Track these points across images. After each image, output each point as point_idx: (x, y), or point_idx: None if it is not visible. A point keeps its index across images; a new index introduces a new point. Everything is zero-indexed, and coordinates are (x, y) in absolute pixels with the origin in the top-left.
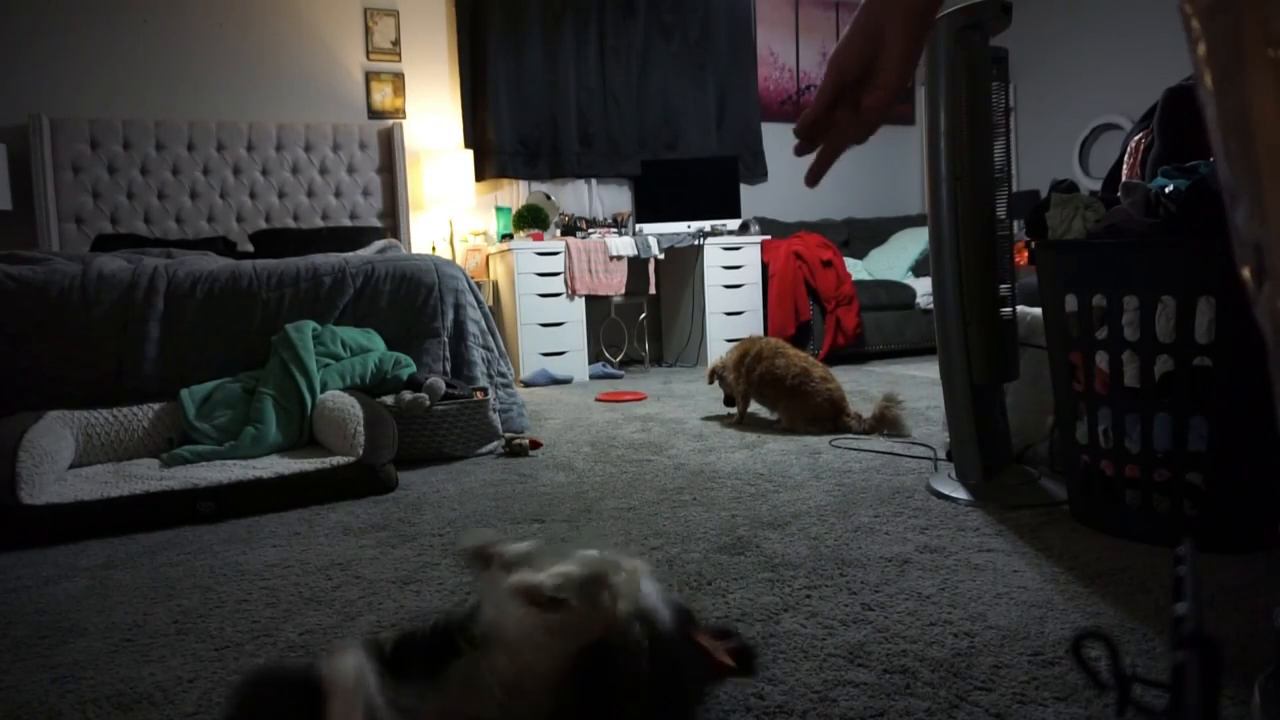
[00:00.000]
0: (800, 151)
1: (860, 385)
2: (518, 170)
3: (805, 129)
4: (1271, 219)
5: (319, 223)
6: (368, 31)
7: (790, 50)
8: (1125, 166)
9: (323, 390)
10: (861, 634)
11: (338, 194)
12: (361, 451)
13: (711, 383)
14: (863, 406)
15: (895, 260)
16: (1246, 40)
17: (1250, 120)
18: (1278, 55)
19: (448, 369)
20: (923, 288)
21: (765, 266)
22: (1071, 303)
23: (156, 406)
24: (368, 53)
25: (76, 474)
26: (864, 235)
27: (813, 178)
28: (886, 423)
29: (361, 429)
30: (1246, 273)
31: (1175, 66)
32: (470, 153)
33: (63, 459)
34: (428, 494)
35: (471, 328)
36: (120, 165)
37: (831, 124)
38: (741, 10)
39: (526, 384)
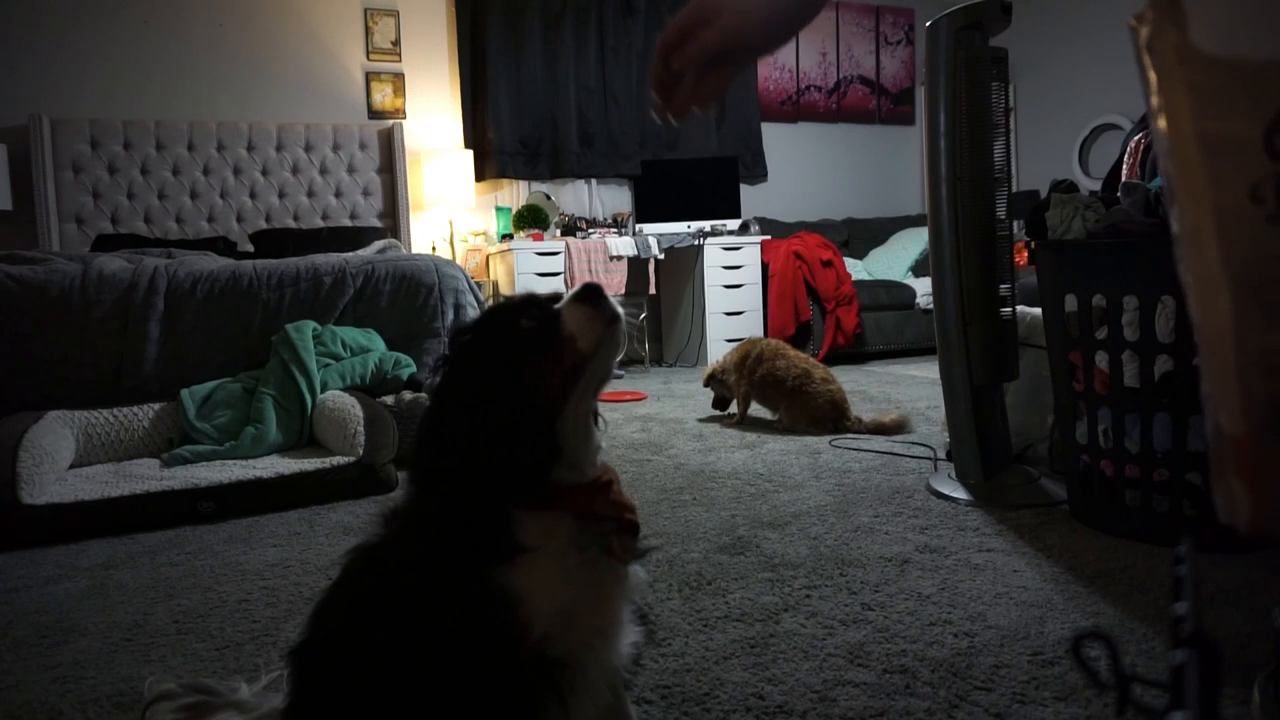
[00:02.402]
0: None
1: (860, 385)
2: (518, 170)
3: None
4: (1185, 222)
5: (319, 223)
6: (368, 31)
7: (790, 50)
8: (1125, 166)
9: (323, 390)
10: (861, 634)
11: (338, 194)
12: (361, 451)
13: (707, 386)
14: (863, 407)
15: (895, 260)
16: (1166, 58)
17: (1169, 136)
18: (1188, 75)
19: None
20: (923, 288)
21: (765, 267)
22: (1071, 303)
23: (156, 406)
24: (368, 53)
25: (76, 474)
26: (864, 235)
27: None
28: (891, 429)
29: (361, 429)
30: (1181, 265)
31: None
32: (470, 153)
33: (63, 459)
34: None
35: None
36: (120, 165)
37: None
38: None
39: None
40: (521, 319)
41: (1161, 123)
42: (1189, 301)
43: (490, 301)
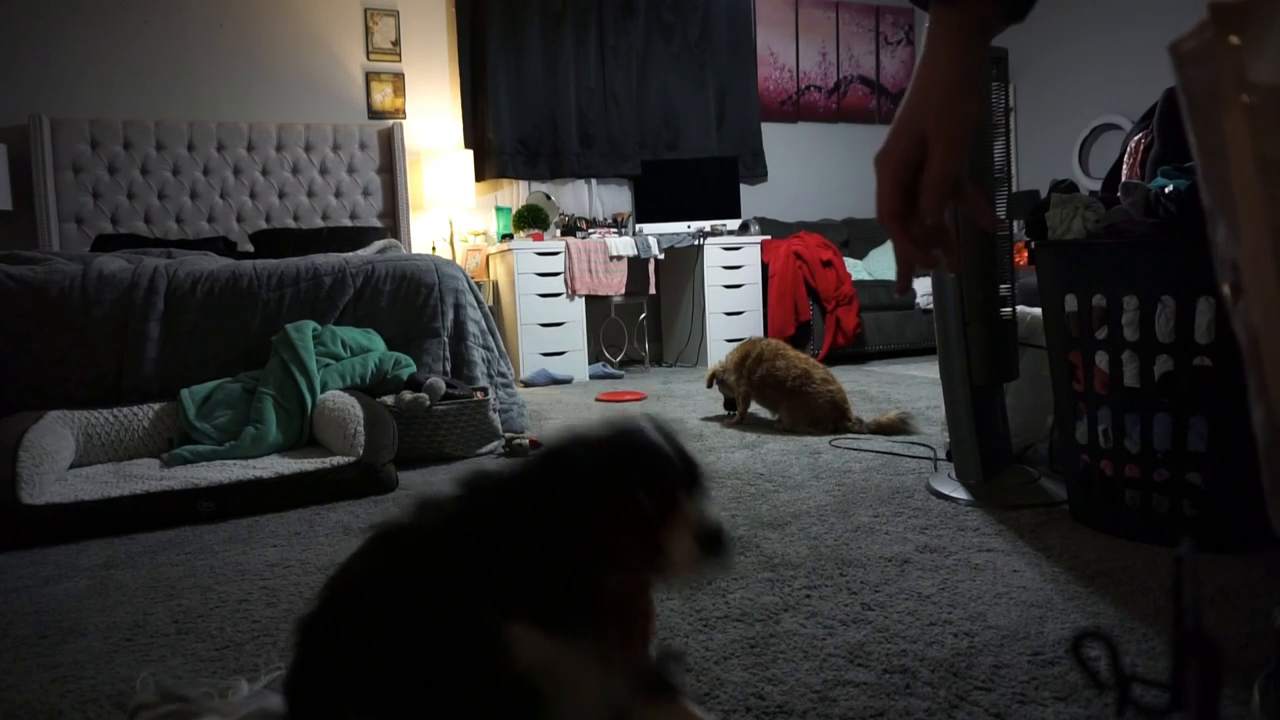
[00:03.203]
0: (909, 255)
1: (860, 385)
2: (518, 170)
3: (892, 222)
4: (1245, 243)
5: (319, 223)
6: (368, 31)
7: (790, 50)
8: (1125, 166)
9: (323, 390)
10: (861, 634)
11: (338, 194)
12: (361, 451)
13: (710, 386)
14: (863, 407)
15: (895, 260)
16: (1222, 85)
17: (1226, 157)
18: (1249, 100)
19: (448, 369)
20: (923, 288)
21: (765, 266)
22: (1071, 303)
23: (156, 406)
24: (368, 53)
25: (76, 474)
26: (864, 235)
27: (933, 255)
28: (891, 429)
29: (361, 429)
30: (1226, 288)
31: None
32: (470, 153)
33: (63, 459)
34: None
35: (471, 328)
36: (120, 165)
37: (912, 208)
38: (741, 10)
39: (526, 384)
40: (643, 489)
41: (1211, 145)
42: (1239, 323)
43: (490, 305)
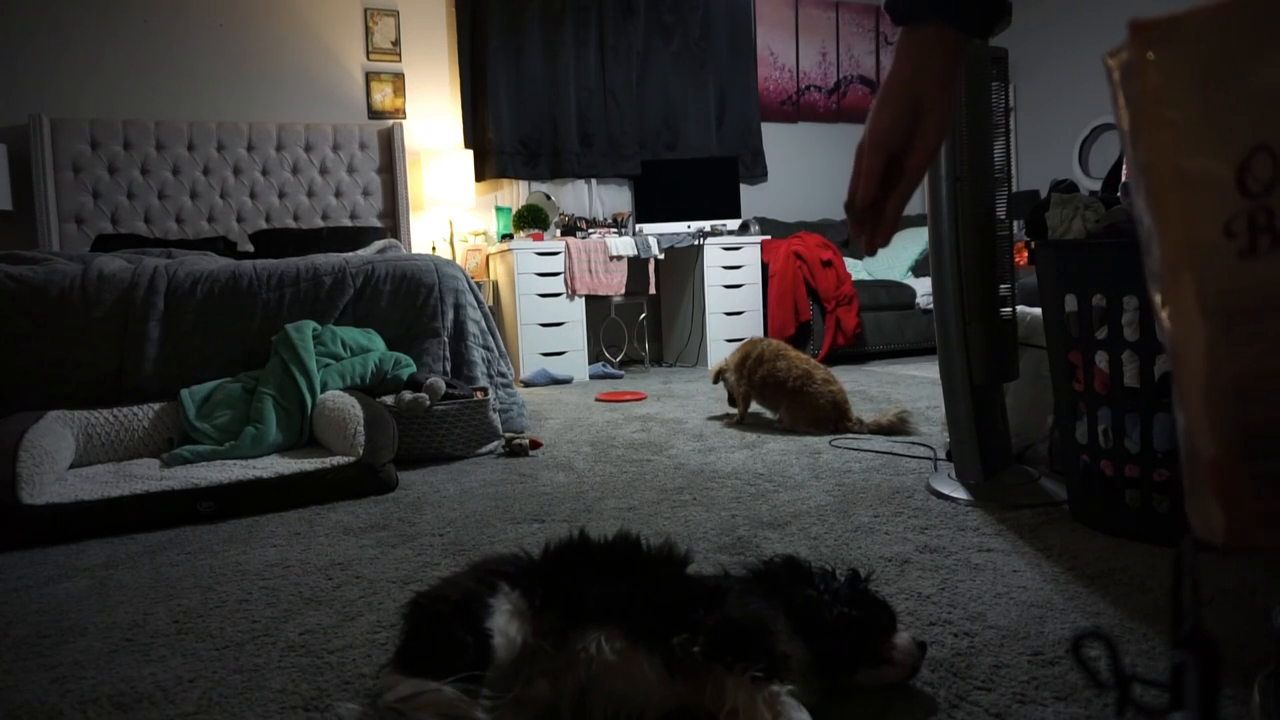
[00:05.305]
0: (860, 232)
1: (860, 385)
2: (518, 170)
3: (864, 211)
4: (1164, 255)
5: (319, 223)
6: (368, 31)
7: (790, 50)
8: (1125, 166)
9: (323, 390)
10: None
11: (338, 194)
12: (361, 451)
13: (716, 383)
14: (863, 407)
15: (895, 260)
16: (1148, 100)
17: (1148, 171)
18: (1170, 115)
19: (448, 369)
20: (923, 288)
21: (765, 266)
22: (1071, 303)
23: (156, 406)
24: (368, 53)
25: (76, 474)
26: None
27: (886, 239)
28: (891, 430)
29: (361, 429)
30: (1156, 297)
31: None
32: (470, 153)
33: (63, 459)
34: (428, 494)
35: (471, 328)
36: (120, 165)
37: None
38: (741, 10)
39: (526, 384)
40: None
41: (1139, 159)
42: (1163, 332)
43: (490, 305)
